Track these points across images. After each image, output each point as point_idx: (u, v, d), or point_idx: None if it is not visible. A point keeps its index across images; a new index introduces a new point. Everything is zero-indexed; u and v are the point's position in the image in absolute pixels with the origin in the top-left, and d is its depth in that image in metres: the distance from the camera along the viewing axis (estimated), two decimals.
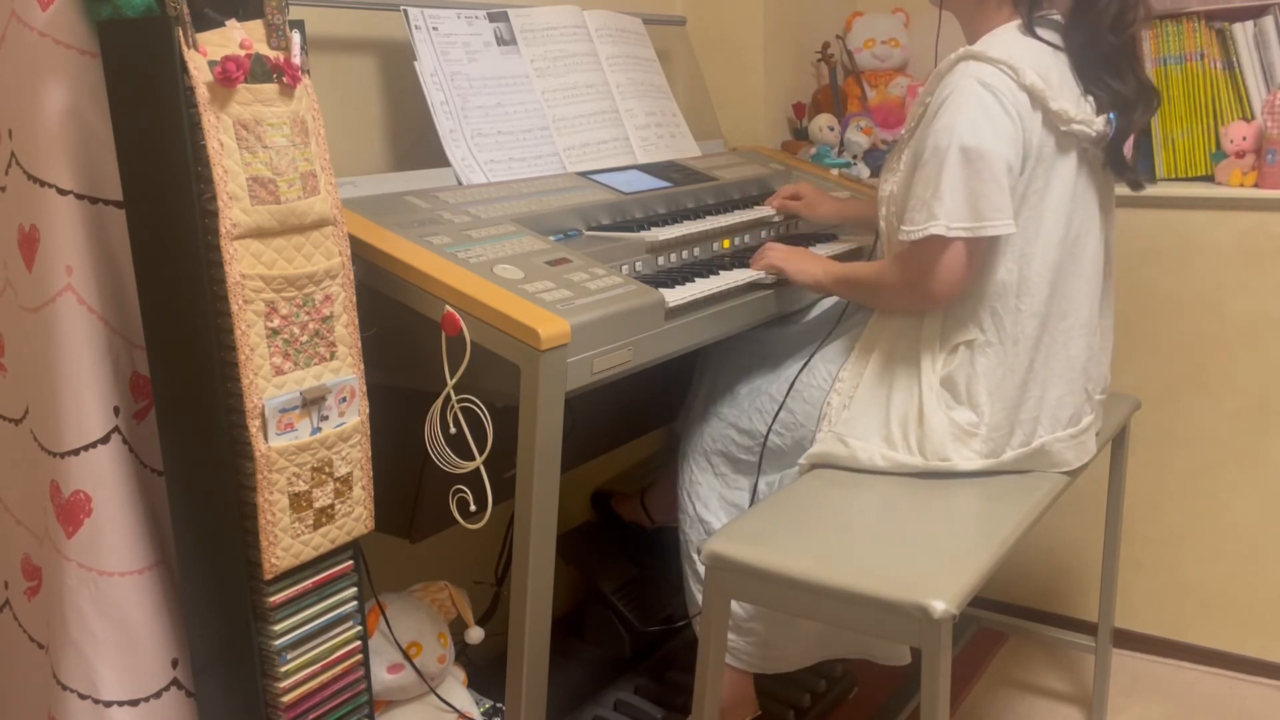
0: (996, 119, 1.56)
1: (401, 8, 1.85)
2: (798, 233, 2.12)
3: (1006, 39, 1.64)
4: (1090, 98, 1.66)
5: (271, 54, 1.29)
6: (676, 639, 2.34)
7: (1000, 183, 1.56)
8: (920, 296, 1.66)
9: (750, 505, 1.87)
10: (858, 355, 1.78)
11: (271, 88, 1.28)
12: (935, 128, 1.59)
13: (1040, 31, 1.66)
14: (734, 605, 1.85)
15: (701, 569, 1.92)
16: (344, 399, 1.37)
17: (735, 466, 1.91)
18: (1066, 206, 1.65)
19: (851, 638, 1.94)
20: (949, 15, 1.77)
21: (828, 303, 1.98)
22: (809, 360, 1.83)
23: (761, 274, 1.78)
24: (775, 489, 1.85)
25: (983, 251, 1.61)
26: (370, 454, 1.42)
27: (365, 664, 1.48)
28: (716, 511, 1.91)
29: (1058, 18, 1.69)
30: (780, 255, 1.81)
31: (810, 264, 1.80)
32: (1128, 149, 2.35)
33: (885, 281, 1.71)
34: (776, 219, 2.07)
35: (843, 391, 1.76)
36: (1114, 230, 1.80)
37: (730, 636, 1.88)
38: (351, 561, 1.44)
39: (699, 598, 1.94)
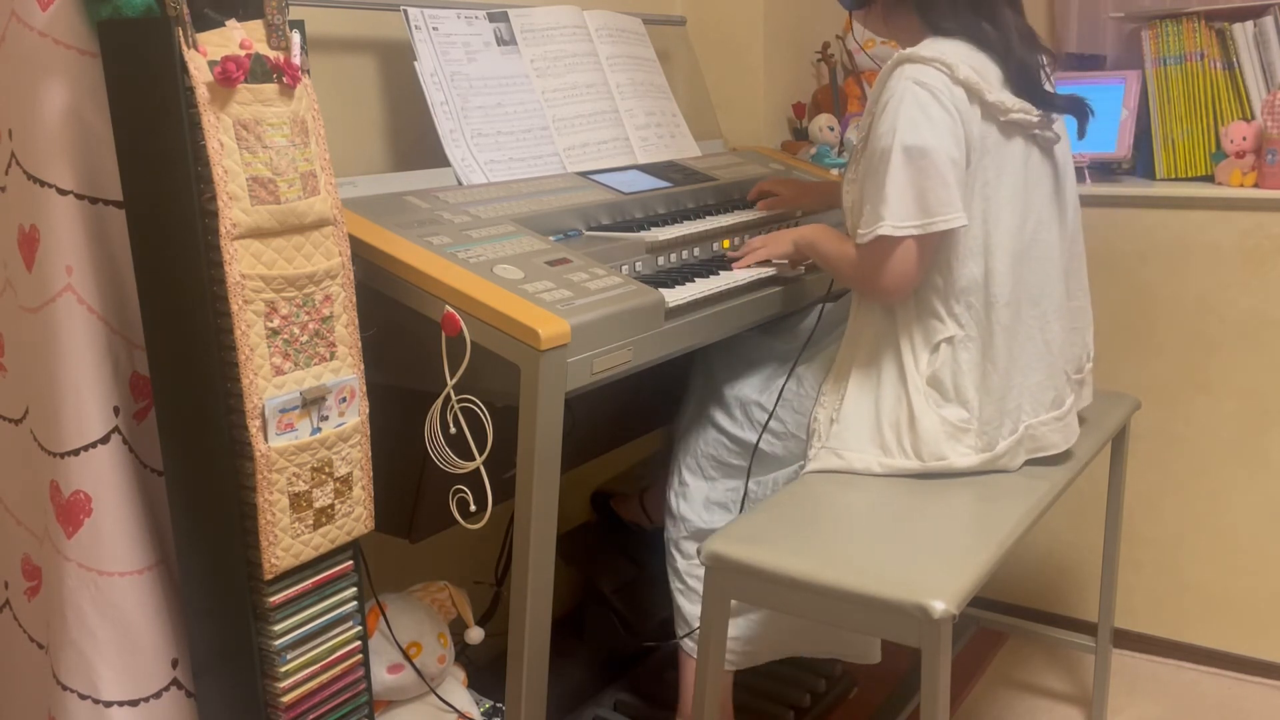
0: (935, 116, 1.58)
1: (401, 8, 1.85)
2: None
3: (935, 41, 1.66)
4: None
5: (271, 54, 1.29)
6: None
7: (945, 178, 1.58)
8: (872, 292, 1.70)
9: (741, 505, 1.87)
10: (838, 367, 1.79)
11: (271, 88, 1.28)
12: (878, 132, 1.61)
13: (950, 26, 1.67)
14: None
15: (686, 577, 1.93)
16: (344, 399, 1.37)
17: (723, 470, 1.92)
18: (1021, 194, 1.67)
19: (823, 637, 1.94)
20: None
21: (818, 311, 2.00)
22: (794, 368, 1.84)
23: (759, 273, 1.79)
24: (765, 488, 1.86)
25: (932, 247, 1.63)
26: (370, 454, 1.42)
27: (365, 664, 1.48)
28: (699, 510, 1.92)
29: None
30: (760, 244, 1.84)
31: (785, 235, 1.84)
32: (1127, 134, 2.36)
33: (843, 270, 1.74)
34: (772, 216, 2.07)
35: (828, 405, 1.77)
36: (1077, 213, 1.81)
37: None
38: (351, 561, 1.44)
39: (685, 609, 1.95)
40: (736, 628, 1.87)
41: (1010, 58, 1.67)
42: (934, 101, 1.58)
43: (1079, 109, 1.73)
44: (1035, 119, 1.66)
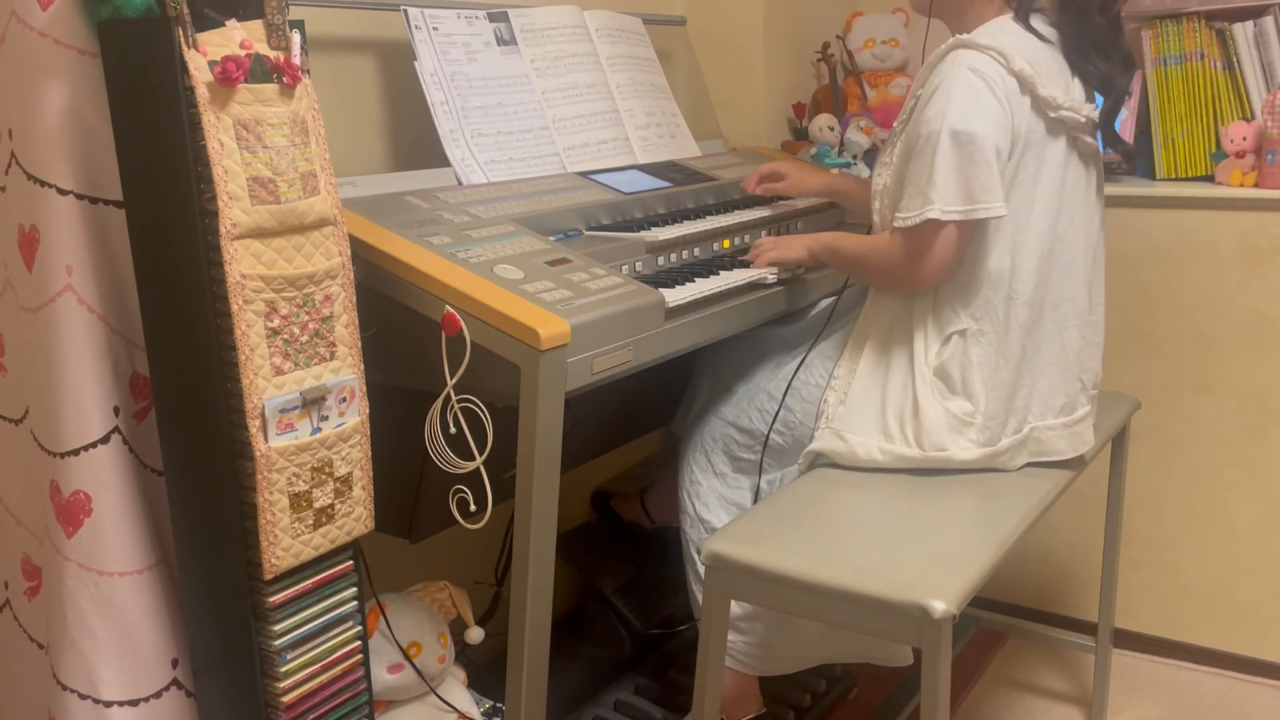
0: (986, 103, 1.58)
1: (401, 8, 1.85)
2: (797, 233, 2.12)
3: (995, 29, 1.66)
4: (1078, 82, 1.69)
5: (271, 54, 1.29)
6: (676, 639, 2.34)
7: (990, 165, 1.58)
8: (909, 279, 1.67)
9: (753, 503, 1.87)
10: (850, 351, 1.78)
11: (271, 88, 1.28)
12: (927, 115, 1.61)
13: (1031, 20, 1.69)
14: (732, 605, 1.85)
15: (703, 570, 1.92)
16: (344, 399, 1.37)
17: (735, 465, 1.91)
18: (1057, 194, 1.67)
19: (852, 642, 1.94)
20: (937, 20, 1.80)
21: (825, 301, 1.99)
22: (805, 358, 1.84)
23: (764, 274, 1.79)
24: (776, 487, 1.85)
25: (969, 234, 1.63)
26: (370, 454, 1.42)
27: (365, 664, 1.48)
28: (716, 511, 1.91)
29: (1043, 5, 1.72)
30: (771, 246, 1.83)
31: (800, 239, 1.83)
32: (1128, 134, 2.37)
33: (874, 261, 1.72)
34: (773, 216, 2.07)
35: (838, 388, 1.77)
36: (1104, 225, 1.81)
37: (730, 637, 1.88)
38: (351, 561, 1.44)
39: (701, 599, 1.94)
40: (757, 634, 1.87)
41: (1110, 81, 1.70)
42: (987, 89, 1.58)
43: (1133, 157, 1.80)
44: (1082, 120, 1.66)
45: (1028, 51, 1.63)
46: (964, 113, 1.57)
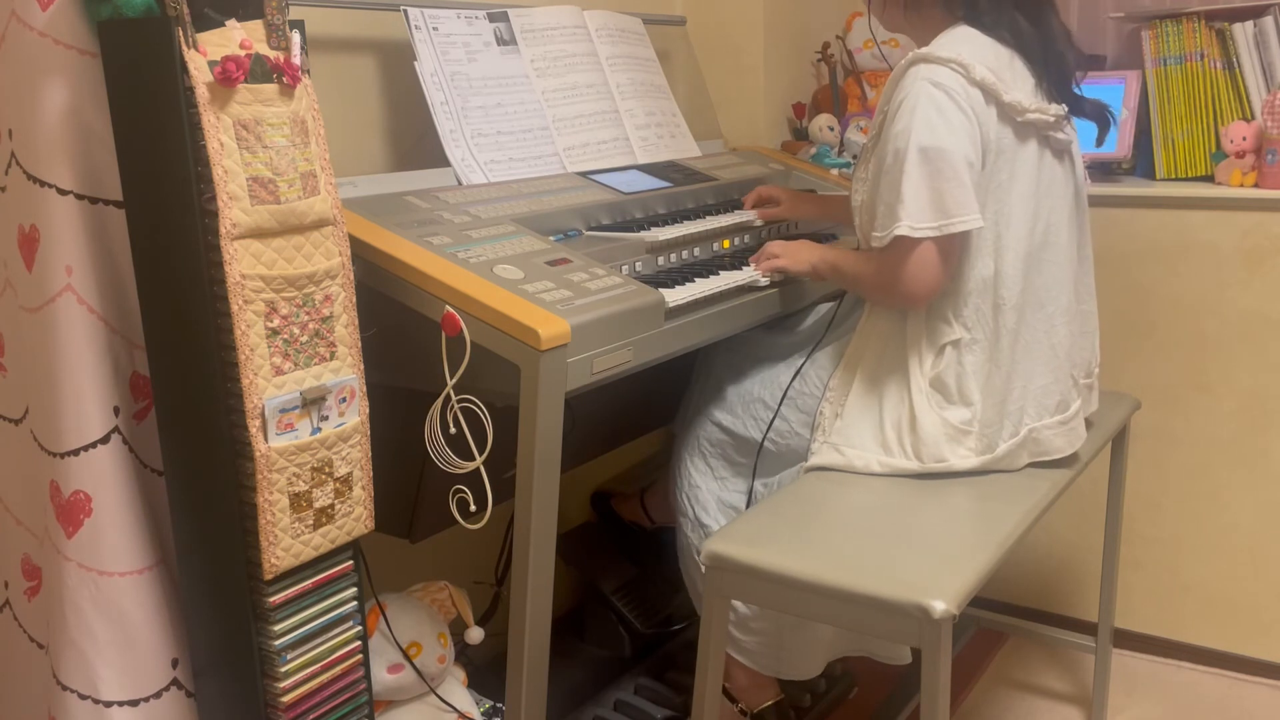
0: (951, 117, 1.57)
1: (401, 8, 1.85)
2: (798, 233, 2.12)
3: (954, 38, 1.65)
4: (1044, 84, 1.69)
5: (271, 54, 1.29)
6: (676, 639, 2.34)
7: (962, 179, 1.57)
8: (896, 297, 1.67)
9: (747, 508, 1.87)
10: (846, 363, 1.78)
11: (271, 88, 1.28)
12: (893, 132, 1.60)
13: (985, 20, 1.67)
14: (740, 605, 1.85)
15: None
16: (344, 399, 1.37)
17: (734, 470, 1.91)
18: (1033, 196, 1.67)
19: (855, 635, 1.94)
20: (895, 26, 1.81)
21: (823, 308, 1.99)
22: (801, 368, 1.84)
23: (765, 276, 1.79)
24: (771, 491, 1.85)
25: (955, 249, 1.62)
26: (370, 454, 1.42)
27: (365, 664, 1.48)
28: (715, 515, 1.91)
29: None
30: (780, 251, 1.82)
31: (807, 252, 1.82)
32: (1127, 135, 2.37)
33: (866, 279, 1.72)
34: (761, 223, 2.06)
35: (834, 400, 1.77)
36: (1086, 215, 1.80)
37: (738, 635, 1.88)
38: (351, 561, 1.44)
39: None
40: (768, 634, 1.86)
41: (1048, 53, 1.67)
42: (950, 103, 1.57)
43: (1103, 117, 1.75)
44: (1050, 119, 1.65)
45: (988, 57, 1.62)
46: (929, 128, 1.56)
